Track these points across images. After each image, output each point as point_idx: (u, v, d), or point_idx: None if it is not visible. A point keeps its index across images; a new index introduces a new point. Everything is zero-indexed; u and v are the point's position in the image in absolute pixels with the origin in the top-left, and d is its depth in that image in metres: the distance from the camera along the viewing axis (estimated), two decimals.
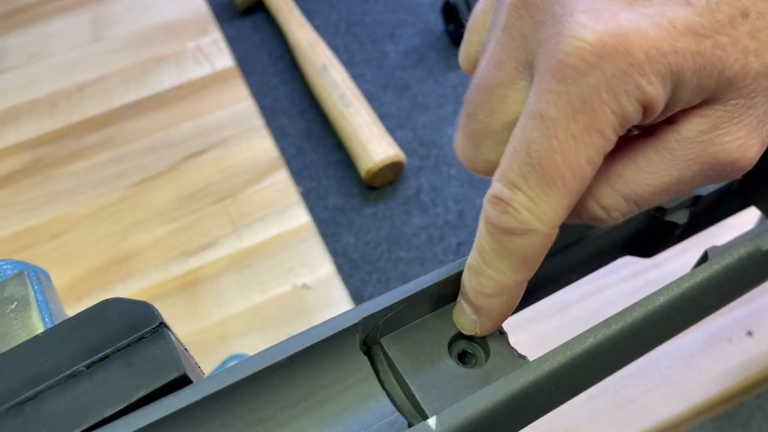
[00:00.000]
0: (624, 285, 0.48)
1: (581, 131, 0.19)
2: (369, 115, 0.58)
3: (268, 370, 0.22)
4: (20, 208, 0.58)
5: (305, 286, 0.52)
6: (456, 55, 0.65)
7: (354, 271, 0.52)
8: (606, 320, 0.23)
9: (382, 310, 0.24)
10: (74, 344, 0.22)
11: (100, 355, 0.22)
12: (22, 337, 0.30)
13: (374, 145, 0.55)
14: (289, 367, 0.22)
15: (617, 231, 0.29)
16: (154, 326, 0.22)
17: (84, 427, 0.20)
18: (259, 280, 0.52)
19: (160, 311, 0.54)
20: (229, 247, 0.54)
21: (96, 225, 0.56)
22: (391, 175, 0.56)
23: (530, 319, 0.49)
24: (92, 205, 0.57)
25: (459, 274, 0.25)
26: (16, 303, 0.30)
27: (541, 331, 0.49)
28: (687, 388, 0.45)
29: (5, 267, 0.33)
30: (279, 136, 0.60)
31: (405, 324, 0.25)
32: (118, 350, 0.22)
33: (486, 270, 0.22)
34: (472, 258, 0.23)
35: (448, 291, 0.25)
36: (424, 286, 0.24)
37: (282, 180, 0.58)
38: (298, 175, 0.58)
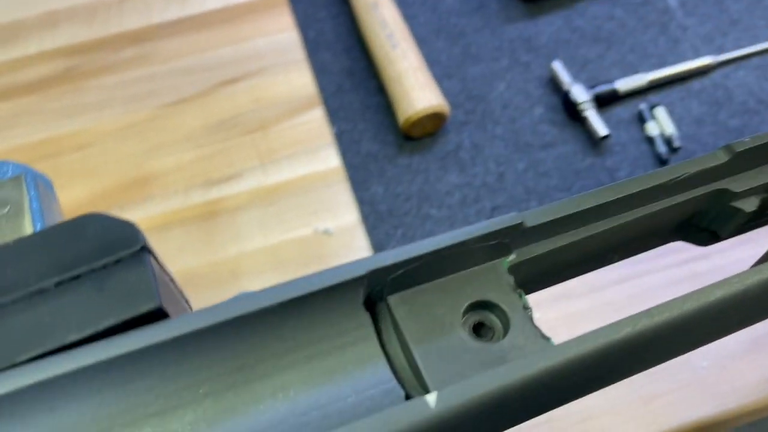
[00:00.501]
0: (667, 273, 0.45)
1: None
2: (416, 60, 0.54)
3: (254, 314, 0.19)
4: (47, 117, 0.56)
5: (327, 232, 0.49)
6: (517, 7, 0.60)
7: (379, 223, 0.49)
8: (649, 309, 0.20)
9: (392, 265, 0.21)
10: (46, 258, 0.20)
11: (72, 273, 0.19)
12: None
13: (417, 92, 0.52)
14: (279, 314, 0.20)
15: (673, 211, 0.25)
16: (134, 249, 0.20)
17: (43, 351, 0.18)
18: (281, 219, 0.50)
19: (176, 239, 0.52)
20: (254, 181, 0.52)
21: (121, 142, 0.54)
22: (431, 127, 0.53)
23: (559, 296, 0.45)
24: (119, 121, 0.55)
25: (486, 236, 0.22)
26: (9, 207, 0.28)
27: (570, 311, 0.46)
28: (720, 391, 0.42)
29: (6, 167, 0.30)
30: (319, 71, 0.57)
31: (418, 283, 0.22)
32: (92, 271, 0.19)
33: None
34: None
35: (474, 252, 0.22)
36: (445, 245, 0.21)
37: (317, 118, 0.55)
38: (334, 115, 0.55)
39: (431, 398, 0.18)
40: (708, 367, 0.43)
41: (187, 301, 0.23)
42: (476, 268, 0.23)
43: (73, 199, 0.52)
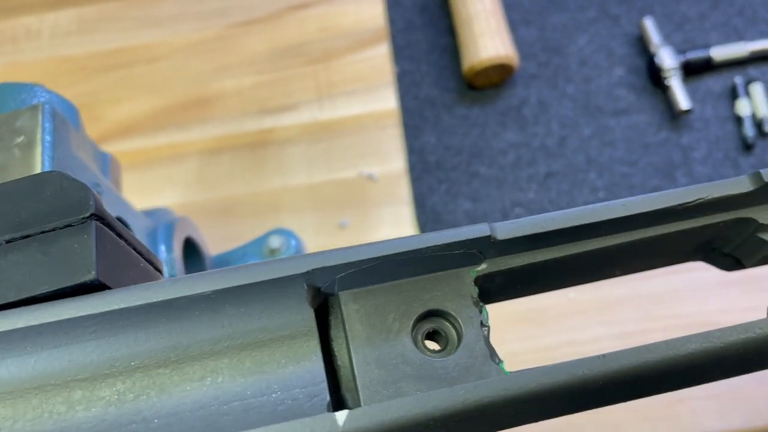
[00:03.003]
0: (714, 271, 0.41)
1: None
2: (491, 2, 0.50)
3: (191, 298, 0.19)
4: (125, 25, 0.57)
5: (371, 177, 0.48)
6: None
7: (425, 174, 0.48)
8: (622, 351, 0.18)
9: (340, 264, 0.20)
10: (3, 212, 0.20)
11: (22, 233, 0.20)
12: (19, 173, 0.29)
13: (486, 39, 0.48)
14: (217, 300, 0.19)
15: (685, 236, 0.23)
16: (84, 216, 0.20)
17: None
18: (327, 158, 0.49)
19: (226, 164, 0.53)
20: (308, 115, 0.51)
21: (189, 59, 0.55)
22: (497, 78, 0.49)
23: None
24: (190, 37, 0.56)
25: (448, 246, 0.20)
26: (23, 137, 0.29)
27: (607, 295, 0.43)
28: (753, 407, 0.39)
29: (33, 92, 0.31)
30: (391, 4, 0.54)
31: (374, 282, 0.21)
32: (42, 232, 0.20)
33: None
34: None
35: (438, 257, 0.21)
36: (398, 251, 0.20)
37: (381, 55, 0.53)
38: (399, 53, 0.53)
39: (340, 418, 0.17)
40: (745, 379, 0.39)
41: (156, 266, 0.23)
42: (441, 273, 0.21)
43: (137, 112, 0.53)
